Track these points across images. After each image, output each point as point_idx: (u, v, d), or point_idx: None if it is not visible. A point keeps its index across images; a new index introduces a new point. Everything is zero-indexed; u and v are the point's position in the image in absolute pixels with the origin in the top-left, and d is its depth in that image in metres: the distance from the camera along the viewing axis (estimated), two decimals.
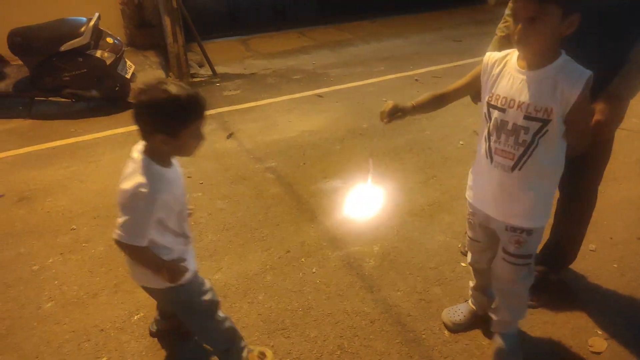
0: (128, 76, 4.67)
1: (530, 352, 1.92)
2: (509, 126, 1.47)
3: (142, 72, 5.54)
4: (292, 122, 4.26)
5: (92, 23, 4.35)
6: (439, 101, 1.76)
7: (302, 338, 2.02)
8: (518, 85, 1.44)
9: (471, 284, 2.03)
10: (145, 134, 1.39)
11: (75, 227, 2.81)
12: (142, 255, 1.45)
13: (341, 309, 2.17)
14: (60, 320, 2.14)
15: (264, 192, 3.16)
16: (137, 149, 1.45)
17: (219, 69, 5.76)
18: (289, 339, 2.02)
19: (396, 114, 1.69)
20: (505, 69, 1.49)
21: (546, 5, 1.27)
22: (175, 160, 1.55)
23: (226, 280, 2.37)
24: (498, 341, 1.88)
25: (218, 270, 2.44)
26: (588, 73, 1.36)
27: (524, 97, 1.43)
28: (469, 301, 2.07)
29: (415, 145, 3.80)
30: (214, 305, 1.70)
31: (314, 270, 2.44)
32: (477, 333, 2.03)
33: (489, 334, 2.00)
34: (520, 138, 1.46)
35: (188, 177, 3.33)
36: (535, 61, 1.42)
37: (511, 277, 1.72)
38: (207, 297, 1.66)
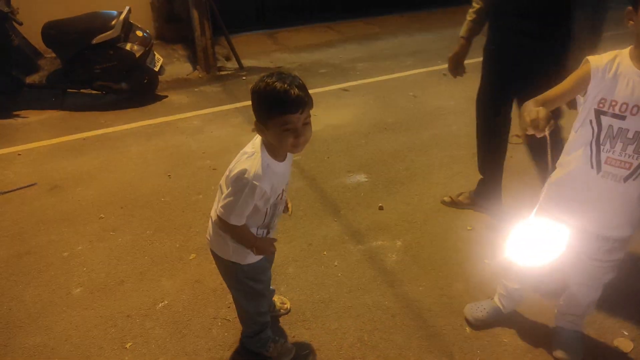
0: (156, 69, 4.75)
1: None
2: (630, 134, 1.39)
3: (170, 64, 5.63)
4: (316, 116, 4.24)
5: (122, 16, 4.44)
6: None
7: (323, 330, 2.03)
8: None
9: (508, 284, 1.93)
10: (256, 119, 1.45)
11: (103, 216, 2.89)
12: (239, 232, 1.53)
13: (362, 302, 2.16)
14: (88, 305, 2.21)
15: (290, 185, 3.16)
16: (259, 136, 1.51)
17: (246, 63, 5.80)
18: (309, 330, 2.03)
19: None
20: (620, 73, 1.38)
21: None
22: (290, 156, 1.57)
23: None
24: (562, 337, 1.87)
25: None
26: None
27: None
28: (495, 298, 2.02)
29: (441, 140, 3.74)
30: (262, 295, 1.78)
31: (335, 263, 2.43)
32: (499, 331, 1.99)
33: (511, 332, 1.97)
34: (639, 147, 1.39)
35: (213, 169, 3.37)
36: None
37: (597, 275, 1.70)
38: (259, 286, 1.74)
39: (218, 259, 1.71)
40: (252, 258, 1.63)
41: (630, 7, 1.31)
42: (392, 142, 3.75)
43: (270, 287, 1.93)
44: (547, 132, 1.33)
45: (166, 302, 2.21)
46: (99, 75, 4.54)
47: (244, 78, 5.40)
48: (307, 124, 1.39)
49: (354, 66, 5.73)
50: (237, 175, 1.41)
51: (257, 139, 1.48)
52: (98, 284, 2.34)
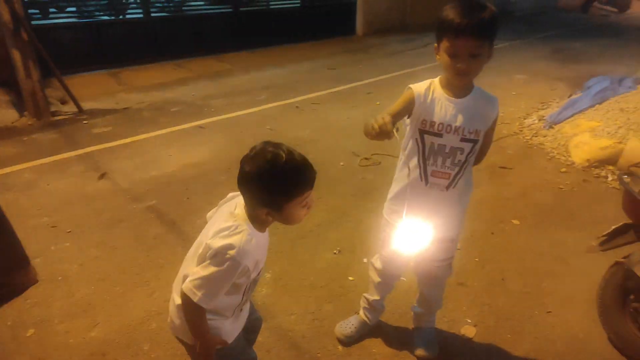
0: None
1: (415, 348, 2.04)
2: (447, 149, 1.65)
3: None
4: (172, 156, 4.09)
5: None
6: None
7: None
8: (451, 112, 1.62)
9: (369, 297, 2.09)
10: (251, 203, 1.29)
11: None
12: (196, 316, 1.31)
13: None
14: None
15: (145, 233, 2.96)
16: (240, 204, 1.33)
17: (87, 105, 5.34)
18: None
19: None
20: (435, 97, 1.63)
21: (483, 43, 1.47)
22: None
23: (104, 335, 2.14)
24: (420, 336, 2.09)
25: (94, 327, 2.19)
26: (497, 98, 1.68)
27: (458, 122, 1.61)
28: (360, 312, 2.15)
29: None
30: None
31: None
32: (368, 342, 2.11)
33: (378, 342, 2.10)
34: (456, 159, 1.66)
35: (52, 226, 2.99)
36: (462, 90, 1.63)
37: (439, 275, 1.96)
38: None
39: (187, 346, 1.46)
40: (228, 337, 1.43)
41: (435, 44, 1.57)
42: None
43: None
44: (395, 134, 1.46)
45: None
46: None
47: (85, 122, 4.94)
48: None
49: (208, 103, 5.68)
50: (218, 250, 1.23)
51: (238, 209, 1.32)
52: None
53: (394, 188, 1.84)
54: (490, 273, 2.59)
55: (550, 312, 2.32)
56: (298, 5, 9.51)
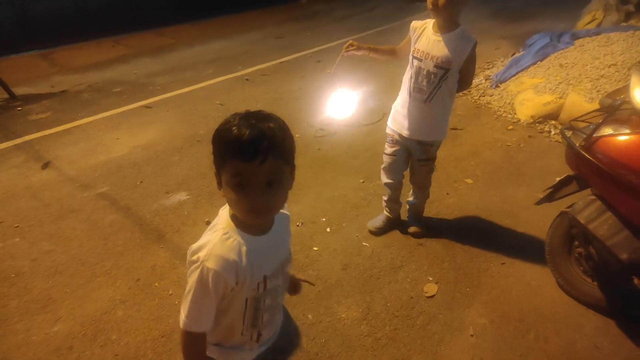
0: None
1: (381, 309, 2.13)
2: (424, 72, 2.19)
3: None
4: (120, 139, 3.90)
5: None
6: (389, 53, 2.45)
7: None
8: (432, 43, 2.16)
9: (385, 197, 2.66)
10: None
11: None
12: (190, 346, 1.07)
13: None
14: None
15: (99, 222, 2.85)
16: None
17: (18, 91, 4.96)
18: None
19: (351, 47, 2.33)
20: (424, 32, 2.20)
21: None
22: (281, 220, 1.15)
23: (69, 329, 2.08)
24: (412, 218, 2.71)
25: (56, 321, 2.12)
26: (475, 40, 2.13)
27: (435, 52, 2.14)
28: (384, 211, 2.71)
29: None
30: None
31: (170, 292, 2.29)
32: (336, 309, 2.17)
33: (346, 304, 2.16)
34: (431, 80, 2.18)
35: None
36: (444, 28, 2.13)
37: (422, 172, 2.51)
38: None
39: None
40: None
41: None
42: (207, 153, 3.64)
43: None
44: (344, 52, 2.33)
45: None
46: None
47: (19, 109, 4.59)
48: (272, 184, 0.98)
49: (152, 81, 5.43)
50: (188, 256, 1.03)
51: (225, 208, 1.10)
52: None
53: (397, 100, 2.41)
54: (447, 232, 2.71)
55: (504, 263, 2.47)
56: None
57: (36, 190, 3.18)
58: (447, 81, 2.18)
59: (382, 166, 2.57)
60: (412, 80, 2.25)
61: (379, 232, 2.68)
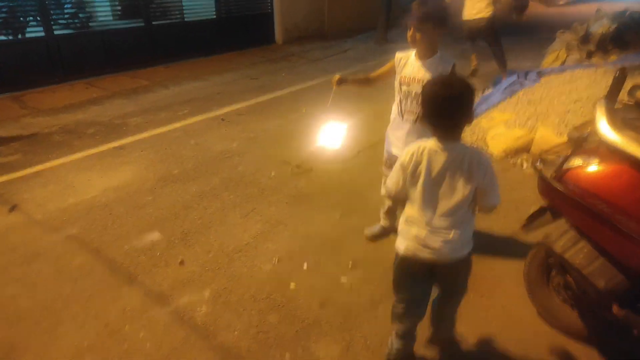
0: None
1: (361, 346, 2.06)
2: (412, 94, 2.41)
3: None
4: (91, 180, 3.81)
5: None
6: (368, 82, 2.70)
7: None
8: (416, 69, 2.38)
9: (383, 209, 2.87)
10: None
11: None
12: None
13: None
14: None
15: (67, 265, 2.73)
16: None
17: None
18: None
19: (342, 83, 2.60)
20: (408, 61, 2.44)
21: (425, 23, 2.26)
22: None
23: None
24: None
25: None
26: (454, 60, 2.36)
27: (420, 75, 2.36)
28: (381, 221, 2.96)
29: (230, 182, 3.80)
30: None
31: (141, 335, 2.18)
32: (315, 347, 2.09)
33: (324, 347, 2.08)
34: (419, 101, 2.18)
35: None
36: (425, 55, 2.37)
37: None
38: None
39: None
40: None
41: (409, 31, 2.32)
42: (181, 192, 3.62)
43: None
44: (334, 87, 2.61)
45: None
46: None
47: None
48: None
49: (125, 122, 5.38)
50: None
51: None
52: None
53: (390, 123, 2.62)
54: None
55: (483, 295, 2.45)
56: (213, 16, 9.32)
57: (2, 234, 3.04)
58: None
59: (383, 180, 2.71)
60: (402, 103, 2.47)
61: (373, 239, 2.96)
